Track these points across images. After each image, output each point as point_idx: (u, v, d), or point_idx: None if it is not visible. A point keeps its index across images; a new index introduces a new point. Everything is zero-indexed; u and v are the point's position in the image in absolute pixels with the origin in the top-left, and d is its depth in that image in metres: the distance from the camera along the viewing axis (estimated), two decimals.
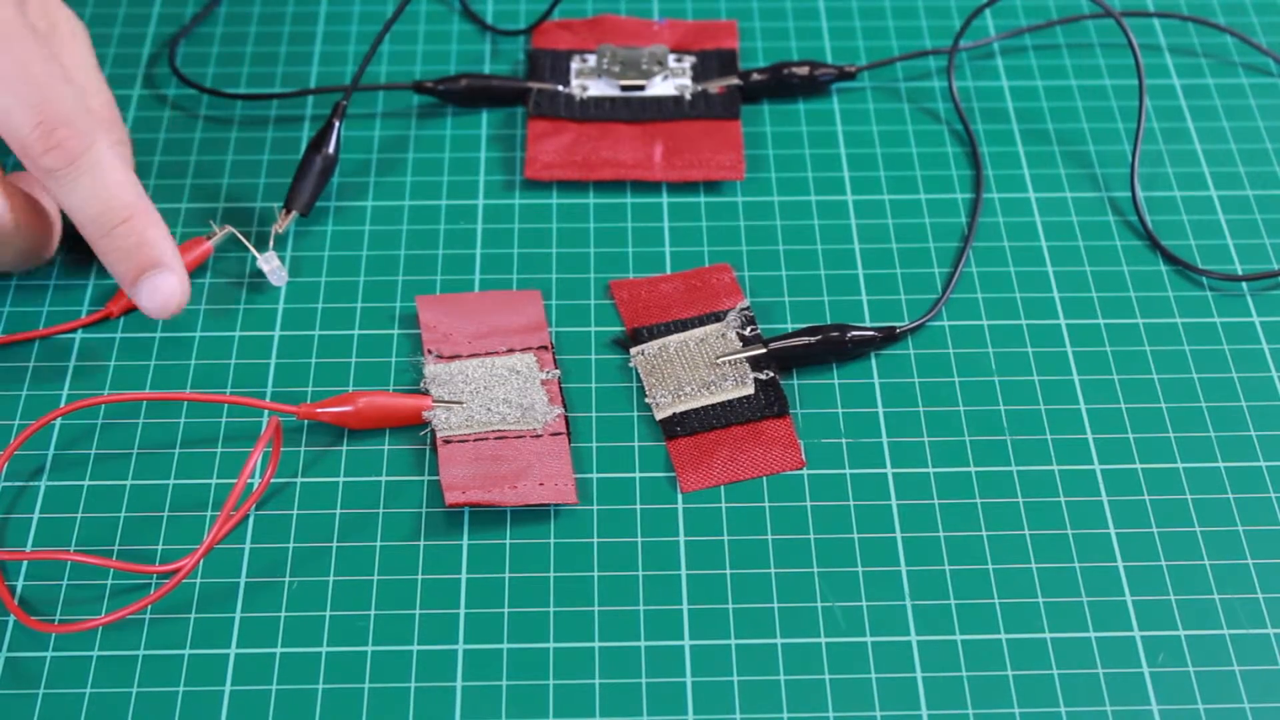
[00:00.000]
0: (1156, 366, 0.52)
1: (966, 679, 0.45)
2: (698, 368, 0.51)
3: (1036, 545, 0.48)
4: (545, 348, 0.52)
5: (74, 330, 0.53)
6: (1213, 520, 0.48)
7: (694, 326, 0.53)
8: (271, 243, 0.55)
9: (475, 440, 0.49)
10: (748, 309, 0.53)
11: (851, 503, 0.49)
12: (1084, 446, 0.50)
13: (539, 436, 0.50)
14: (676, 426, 0.50)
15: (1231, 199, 0.58)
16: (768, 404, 0.51)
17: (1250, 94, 0.62)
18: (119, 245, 0.51)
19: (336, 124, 0.57)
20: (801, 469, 0.49)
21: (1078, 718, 0.44)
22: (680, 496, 0.49)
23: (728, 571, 0.47)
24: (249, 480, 0.49)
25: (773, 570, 0.47)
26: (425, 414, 0.50)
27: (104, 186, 0.50)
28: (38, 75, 0.49)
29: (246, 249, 0.55)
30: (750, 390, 0.51)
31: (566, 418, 0.50)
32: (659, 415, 0.51)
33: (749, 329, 0.52)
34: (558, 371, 0.52)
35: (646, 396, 0.51)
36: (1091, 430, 0.51)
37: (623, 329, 0.53)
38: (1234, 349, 0.53)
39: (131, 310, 0.54)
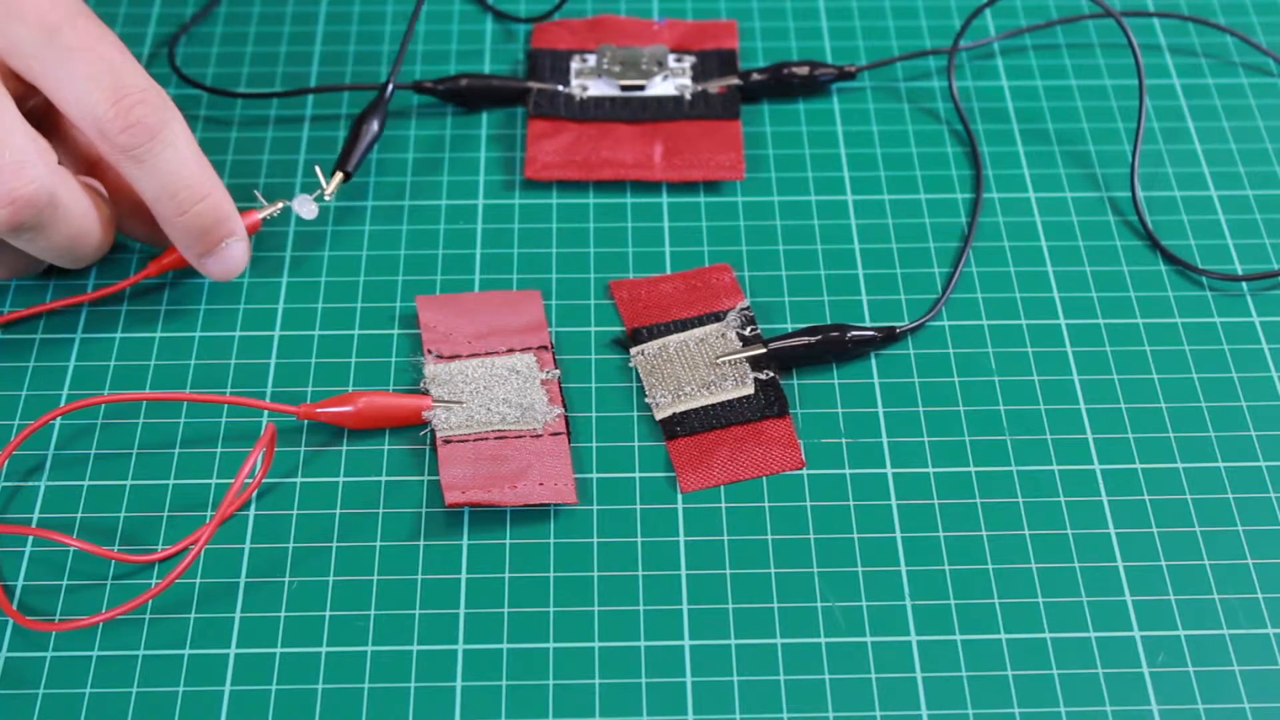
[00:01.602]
0: (1156, 366, 0.52)
1: (966, 679, 0.45)
2: (698, 368, 0.51)
3: (1036, 545, 0.48)
4: (545, 348, 0.52)
5: (124, 289, 0.54)
6: (1213, 520, 0.48)
7: (694, 326, 0.53)
8: (314, 196, 0.56)
9: (475, 440, 0.49)
10: (748, 309, 0.53)
11: (851, 503, 0.49)
12: (1084, 446, 0.50)
13: (539, 436, 0.50)
14: (676, 426, 0.50)
15: (1231, 199, 0.58)
16: (768, 404, 0.51)
17: (1250, 94, 0.62)
18: (197, 223, 0.50)
19: (387, 95, 0.58)
20: (801, 469, 0.49)
21: (1078, 718, 0.44)
22: (680, 496, 0.49)
23: (728, 571, 0.47)
24: (243, 482, 0.49)
25: (773, 570, 0.47)
26: (425, 414, 0.50)
27: (182, 164, 0.49)
28: (110, 53, 0.48)
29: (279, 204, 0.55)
30: (750, 390, 0.51)
31: (566, 418, 0.50)
32: (659, 415, 0.51)
33: (749, 329, 0.52)
34: (558, 371, 0.52)
35: (646, 396, 0.51)
36: (1091, 430, 0.51)
37: (623, 329, 0.53)
38: (1234, 349, 0.53)
39: (176, 270, 0.54)
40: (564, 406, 0.51)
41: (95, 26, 0.48)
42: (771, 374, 0.51)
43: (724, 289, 0.54)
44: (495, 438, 0.49)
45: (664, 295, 0.54)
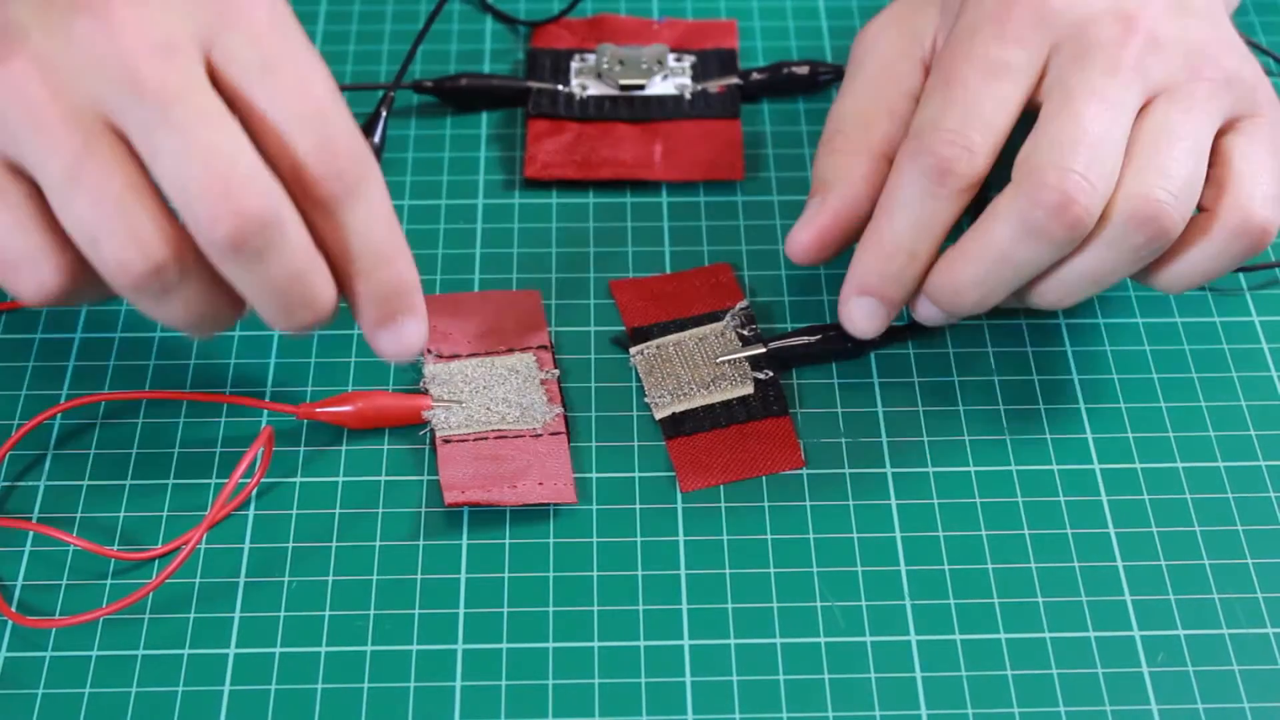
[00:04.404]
0: (1156, 366, 0.52)
1: (966, 679, 0.45)
2: (697, 367, 0.51)
3: (1036, 545, 0.48)
4: (545, 347, 0.52)
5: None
6: (1213, 520, 0.48)
7: (693, 326, 0.53)
8: None
9: (475, 440, 0.49)
10: (747, 308, 0.53)
11: (851, 503, 0.49)
12: (1084, 446, 0.50)
13: (538, 436, 0.50)
14: (676, 426, 0.50)
15: None
16: (767, 403, 0.50)
17: None
18: (377, 289, 0.45)
19: (384, 113, 0.58)
20: (801, 469, 0.49)
21: (1078, 718, 0.44)
22: (680, 496, 0.49)
23: (727, 571, 0.47)
24: (238, 483, 0.49)
25: (772, 570, 0.47)
26: (425, 414, 0.50)
27: (373, 225, 0.44)
28: (323, 95, 0.43)
29: None
30: (750, 390, 0.51)
31: (566, 417, 0.50)
32: (658, 415, 0.50)
33: (748, 328, 0.52)
34: (557, 371, 0.52)
35: (646, 396, 0.51)
36: (1091, 430, 0.51)
37: (623, 329, 0.53)
38: (1234, 349, 0.53)
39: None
40: (564, 406, 0.51)
41: (313, 61, 0.44)
42: (771, 373, 0.51)
43: (723, 289, 0.54)
44: (495, 437, 0.49)
45: (664, 295, 0.54)
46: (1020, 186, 0.45)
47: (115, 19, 0.41)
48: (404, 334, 0.46)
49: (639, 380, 0.52)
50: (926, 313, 0.49)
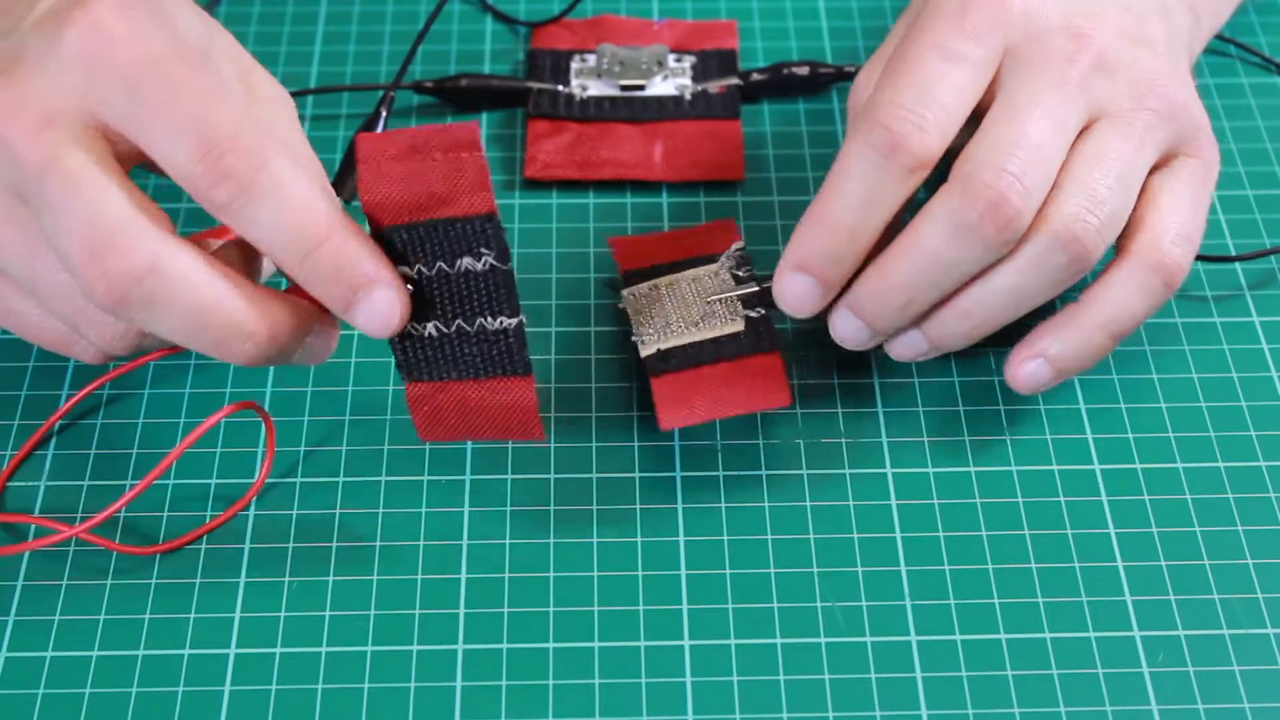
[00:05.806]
0: (1156, 366, 0.52)
1: (966, 679, 0.45)
2: (688, 306, 0.50)
3: (1036, 545, 0.48)
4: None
5: None
6: (1213, 520, 0.48)
7: (688, 268, 0.51)
8: None
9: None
10: (742, 250, 0.51)
11: (851, 503, 0.49)
12: (1084, 446, 0.50)
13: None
14: (661, 363, 0.48)
15: (1231, 199, 0.58)
16: (759, 340, 0.49)
17: (1250, 94, 0.62)
18: (317, 274, 0.43)
19: (384, 114, 0.58)
20: (788, 405, 0.48)
21: (1078, 718, 0.44)
22: (680, 496, 0.49)
23: (727, 571, 0.47)
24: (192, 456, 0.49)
25: (772, 570, 0.47)
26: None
27: (285, 212, 0.42)
28: (195, 99, 0.42)
29: None
30: (739, 327, 0.49)
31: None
32: (644, 352, 0.49)
33: (743, 269, 0.50)
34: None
35: (633, 335, 0.49)
36: (1091, 430, 0.51)
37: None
38: (1234, 349, 0.53)
39: None
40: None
41: (181, 68, 0.43)
42: (763, 311, 0.49)
43: (723, 238, 0.52)
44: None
45: (661, 247, 0.53)
46: (955, 185, 0.45)
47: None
48: (373, 306, 0.44)
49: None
50: (844, 325, 0.48)
